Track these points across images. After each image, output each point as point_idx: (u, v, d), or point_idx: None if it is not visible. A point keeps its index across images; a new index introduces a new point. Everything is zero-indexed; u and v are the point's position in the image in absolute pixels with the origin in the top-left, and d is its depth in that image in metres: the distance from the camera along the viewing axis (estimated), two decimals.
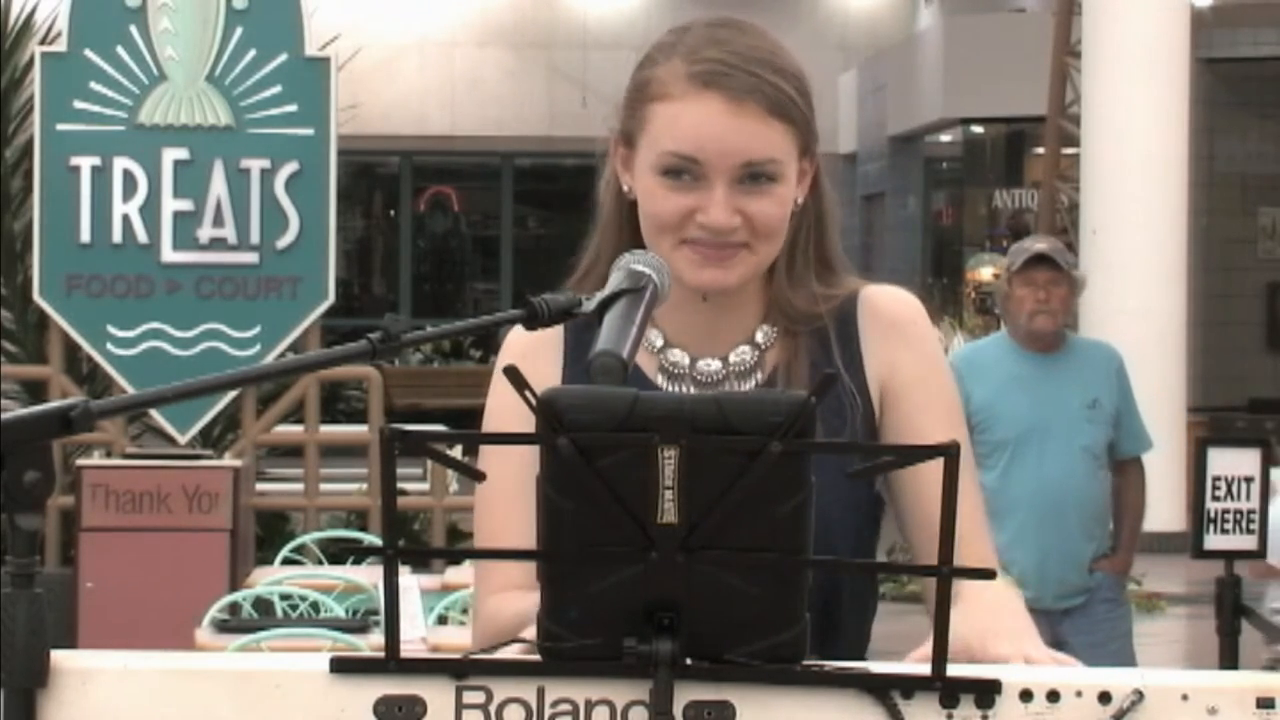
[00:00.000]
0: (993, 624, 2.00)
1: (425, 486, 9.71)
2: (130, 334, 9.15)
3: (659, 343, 2.30)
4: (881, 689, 1.74)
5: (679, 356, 2.30)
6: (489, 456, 2.25)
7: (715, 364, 2.30)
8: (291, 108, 9.22)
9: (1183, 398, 13.49)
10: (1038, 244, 6.37)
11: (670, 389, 2.28)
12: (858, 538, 2.26)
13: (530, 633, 1.77)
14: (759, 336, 2.30)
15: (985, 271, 18.13)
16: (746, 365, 2.30)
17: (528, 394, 1.73)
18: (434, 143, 22.46)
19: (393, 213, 23.94)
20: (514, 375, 1.76)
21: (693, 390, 2.28)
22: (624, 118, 2.27)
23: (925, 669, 1.74)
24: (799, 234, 2.30)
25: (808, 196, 2.30)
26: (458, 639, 5.80)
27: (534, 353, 2.26)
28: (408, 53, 21.38)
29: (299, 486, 9.60)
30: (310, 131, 9.23)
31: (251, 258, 9.24)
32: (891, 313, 2.32)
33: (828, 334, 2.30)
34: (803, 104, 2.24)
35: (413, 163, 23.48)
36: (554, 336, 2.29)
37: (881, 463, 2.05)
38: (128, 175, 9.19)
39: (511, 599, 2.12)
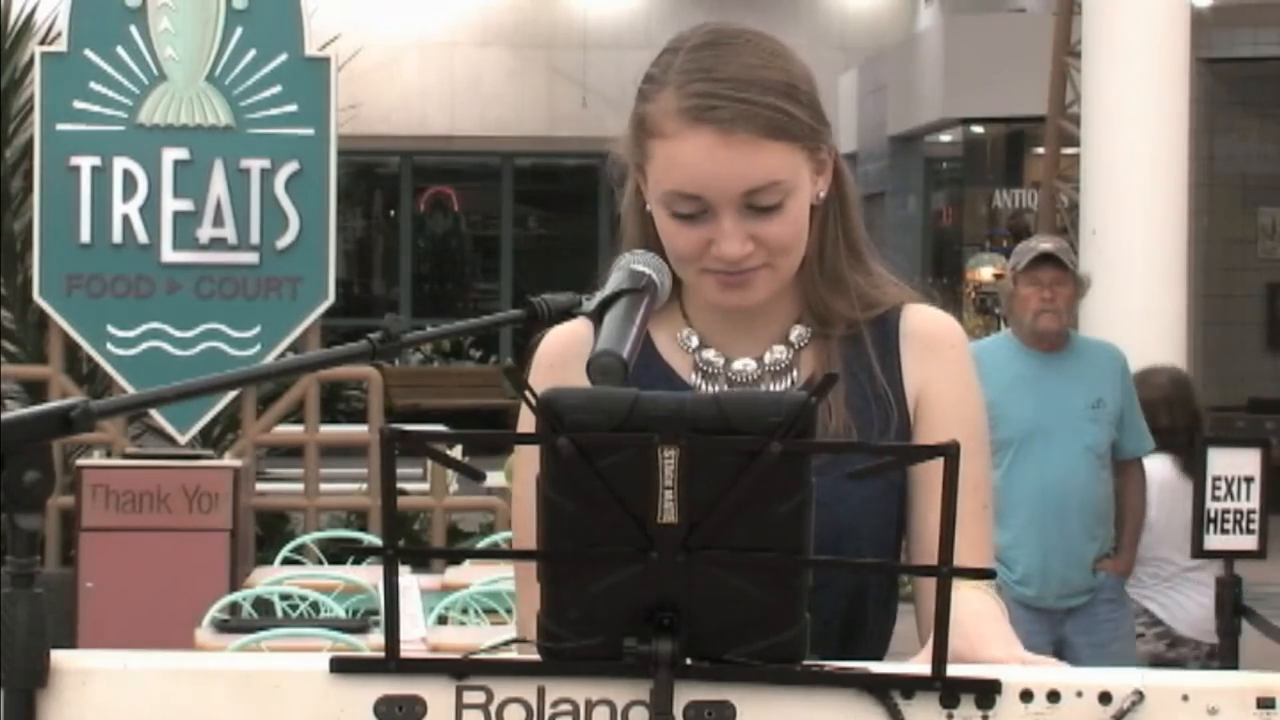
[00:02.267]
0: (982, 629, 2.01)
1: (425, 486, 9.71)
2: (130, 334, 9.15)
3: (694, 342, 2.32)
4: (881, 689, 1.74)
5: (714, 356, 2.32)
6: (524, 471, 2.26)
7: (750, 364, 2.31)
8: (291, 108, 9.22)
9: None
10: (1043, 243, 6.38)
11: (706, 389, 2.29)
12: (886, 543, 2.27)
13: (531, 632, 1.77)
14: (793, 336, 2.32)
15: (985, 271, 18.12)
16: (781, 365, 2.31)
17: (527, 394, 1.73)
18: (434, 143, 22.46)
19: (393, 213, 23.94)
20: (514, 375, 1.76)
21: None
22: (631, 150, 2.28)
23: (925, 669, 1.74)
24: (826, 223, 2.31)
25: (831, 185, 2.30)
26: (458, 639, 5.80)
27: (564, 363, 2.27)
28: (408, 53, 21.38)
29: (299, 486, 9.60)
30: (310, 131, 9.24)
31: (251, 258, 9.24)
32: (934, 333, 2.33)
33: (864, 340, 2.31)
34: (803, 112, 2.22)
35: (413, 163, 23.47)
36: (583, 346, 2.29)
37: (881, 463, 2.04)
38: (128, 175, 9.19)
39: None
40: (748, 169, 2.17)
